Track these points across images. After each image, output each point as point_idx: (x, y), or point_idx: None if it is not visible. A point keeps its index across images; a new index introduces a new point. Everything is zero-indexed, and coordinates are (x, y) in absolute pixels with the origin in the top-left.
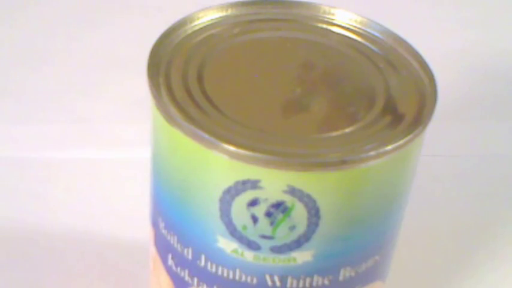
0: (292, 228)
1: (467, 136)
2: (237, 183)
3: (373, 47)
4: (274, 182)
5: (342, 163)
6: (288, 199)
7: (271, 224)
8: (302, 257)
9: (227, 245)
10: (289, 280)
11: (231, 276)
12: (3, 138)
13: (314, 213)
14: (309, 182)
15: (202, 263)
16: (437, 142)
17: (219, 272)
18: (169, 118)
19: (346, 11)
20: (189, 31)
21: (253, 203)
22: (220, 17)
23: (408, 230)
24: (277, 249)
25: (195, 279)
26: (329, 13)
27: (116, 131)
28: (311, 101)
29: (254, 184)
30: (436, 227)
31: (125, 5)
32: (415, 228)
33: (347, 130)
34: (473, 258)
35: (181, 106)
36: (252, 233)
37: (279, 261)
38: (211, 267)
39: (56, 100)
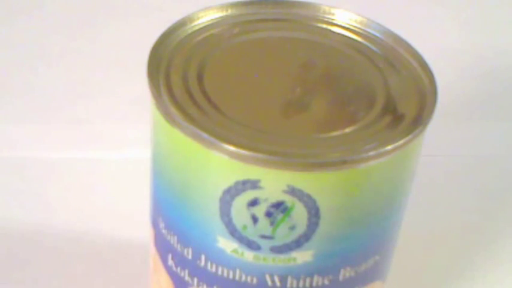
0: (292, 228)
1: (467, 136)
2: (237, 183)
3: (373, 47)
4: (274, 182)
5: (342, 163)
6: (288, 199)
7: (271, 224)
8: (302, 257)
9: (227, 245)
10: (289, 280)
11: (231, 276)
12: (3, 138)
13: (314, 213)
14: (309, 182)
15: (202, 263)
16: (437, 142)
17: (219, 272)
18: (169, 118)
19: (346, 11)
20: (189, 31)
21: (253, 203)
22: (220, 17)
23: (408, 230)
24: (277, 249)
25: (195, 279)
26: (329, 13)
27: (116, 131)
28: (311, 101)
29: (254, 184)
30: (435, 227)
31: (125, 5)
32: (415, 228)
33: (347, 130)
34: (473, 258)
35: (181, 106)
36: (252, 233)
37: (279, 261)
38: (211, 267)
39: (56, 100)
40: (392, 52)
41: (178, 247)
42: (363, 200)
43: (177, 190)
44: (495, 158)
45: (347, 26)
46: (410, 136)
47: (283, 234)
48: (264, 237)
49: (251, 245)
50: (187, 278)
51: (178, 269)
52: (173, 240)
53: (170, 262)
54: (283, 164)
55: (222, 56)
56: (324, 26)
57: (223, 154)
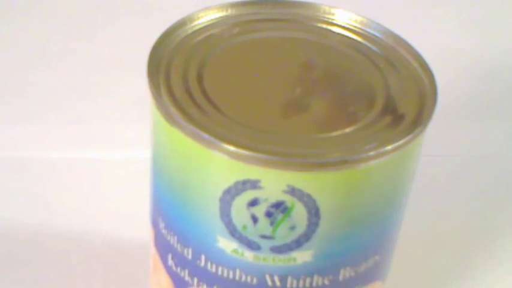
0: (292, 228)
1: (467, 136)
2: (237, 183)
3: (373, 47)
4: (274, 182)
5: (342, 163)
6: (288, 199)
7: (271, 224)
8: (302, 257)
9: (227, 245)
10: (289, 280)
11: (231, 276)
12: (3, 138)
13: (314, 213)
14: (309, 182)
15: (202, 263)
16: (437, 142)
17: (219, 272)
18: (169, 118)
19: (346, 11)
20: (189, 31)
21: (253, 203)
22: (220, 17)
23: (408, 230)
24: (277, 249)
25: (195, 279)
26: (329, 13)
27: (116, 131)
28: (311, 101)
29: (254, 184)
30: (435, 227)
31: (125, 5)
32: (415, 228)
33: (347, 130)
34: (473, 258)
35: (181, 106)
36: (252, 233)
37: (279, 261)
38: (211, 267)
39: (56, 100)
40: (392, 52)
41: (178, 247)
42: (363, 200)
43: (177, 190)
44: (495, 158)
45: (347, 26)
46: (410, 136)
47: (283, 234)
48: (264, 237)
49: (251, 245)
50: (187, 278)
51: (178, 269)
52: (173, 240)
53: (170, 262)
54: (283, 164)
55: (222, 56)
56: (324, 26)
57: (223, 154)
